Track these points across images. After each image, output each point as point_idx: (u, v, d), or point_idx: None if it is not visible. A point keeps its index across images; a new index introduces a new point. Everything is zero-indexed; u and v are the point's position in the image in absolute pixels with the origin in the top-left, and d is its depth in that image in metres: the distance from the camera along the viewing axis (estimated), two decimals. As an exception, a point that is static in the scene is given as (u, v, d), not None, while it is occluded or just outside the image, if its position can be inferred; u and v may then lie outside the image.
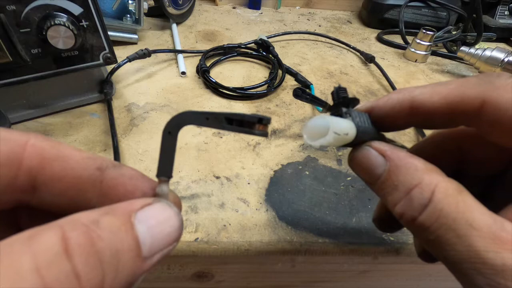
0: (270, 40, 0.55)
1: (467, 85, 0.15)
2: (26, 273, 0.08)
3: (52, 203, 0.14)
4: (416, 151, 0.20)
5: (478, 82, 0.15)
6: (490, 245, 0.12)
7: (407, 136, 0.39)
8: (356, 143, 0.16)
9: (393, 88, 0.48)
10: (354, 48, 0.58)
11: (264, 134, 0.13)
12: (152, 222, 0.12)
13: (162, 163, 0.15)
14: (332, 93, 0.18)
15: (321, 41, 0.62)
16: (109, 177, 0.14)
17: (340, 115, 0.17)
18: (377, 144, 0.16)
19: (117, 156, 0.31)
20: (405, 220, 0.15)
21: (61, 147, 0.13)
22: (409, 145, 0.30)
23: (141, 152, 0.33)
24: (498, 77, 0.14)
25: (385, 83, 0.50)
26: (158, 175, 0.15)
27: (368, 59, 0.54)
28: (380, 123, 0.18)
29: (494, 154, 0.18)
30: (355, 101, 0.18)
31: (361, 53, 0.56)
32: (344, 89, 0.18)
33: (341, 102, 0.18)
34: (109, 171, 0.14)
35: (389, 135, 0.19)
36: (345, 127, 0.15)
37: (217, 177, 0.31)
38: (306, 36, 0.62)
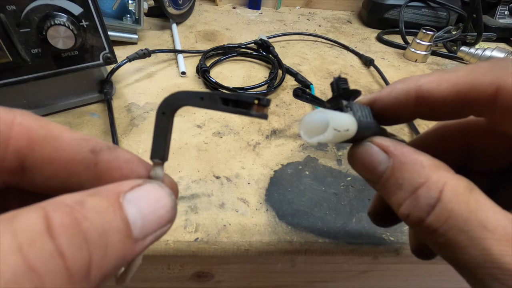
0: (270, 40, 0.55)
1: (479, 71, 0.14)
2: (7, 252, 0.08)
3: (43, 186, 0.13)
4: (418, 145, 0.19)
5: (491, 67, 0.13)
6: (506, 248, 0.11)
7: (407, 138, 0.39)
8: (357, 139, 0.16)
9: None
10: (353, 51, 0.58)
11: (263, 116, 0.12)
12: (143, 203, 0.12)
13: (156, 145, 0.14)
14: (332, 84, 0.17)
15: (321, 41, 0.62)
16: (104, 160, 0.13)
17: (340, 108, 0.16)
18: (379, 139, 0.15)
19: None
20: (411, 222, 0.14)
21: (51, 127, 0.13)
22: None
23: (141, 152, 0.33)
24: (508, 64, 0.13)
25: (385, 84, 0.50)
26: (151, 157, 0.14)
27: (367, 62, 0.54)
28: (382, 116, 0.17)
29: (504, 147, 0.17)
30: (357, 93, 0.17)
31: (360, 56, 0.56)
32: (345, 80, 0.17)
33: (341, 94, 0.16)
34: (104, 154, 0.13)
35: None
36: (345, 122, 0.14)
37: (217, 177, 0.31)
38: (306, 36, 0.62)
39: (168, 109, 0.14)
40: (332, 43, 0.61)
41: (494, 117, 0.14)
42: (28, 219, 0.09)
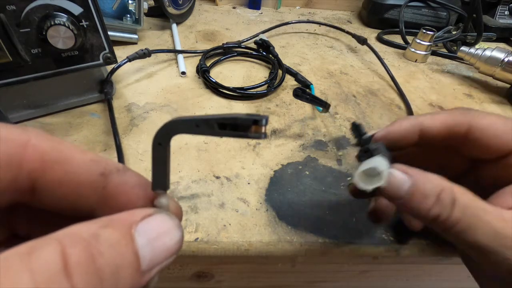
0: (266, 35, 0.55)
1: (458, 113, 0.21)
2: None
3: (52, 205, 0.13)
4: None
5: (467, 111, 0.21)
6: (503, 224, 0.16)
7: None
8: None
9: (393, 79, 0.49)
10: (348, 32, 0.61)
11: (261, 137, 0.12)
12: (153, 234, 0.12)
13: (156, 176, 0.14)
14: (352, 130, 0.23)
15: (321, 42, 0.62)
16: (112, 183, 0.13)
17: (371, 153, 0.20)
18: (399, 166, 0.19)
19: (120, 155, 0.31)
20: (440, 220, 0.17)
21: (64, 148, 0.13)
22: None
23: (141, 152, 0.33)
24: (476, 111, 0.21)
25: (385, 81, 0.50)
26: (153, 189, 0.14)
27: (360, 41, 0.56)
28: (391, 146, 0.22)
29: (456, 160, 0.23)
30: (373, 136, 0.23)
31: (353, 35, 0.58)
32: (361, 125, 0.23)
33: (366, 141, 0.22)
34: (113, 177, 0.13)
35: None
36: (386, 165, 0.18)
37: (217, 177, 0.31)
38: (306, 35, 0.62)
39: (163, 139, 0.13)
40: (332, 40, 0.61)
41: (467, 145, 0.21)
42: (45, 256, 0.09)
